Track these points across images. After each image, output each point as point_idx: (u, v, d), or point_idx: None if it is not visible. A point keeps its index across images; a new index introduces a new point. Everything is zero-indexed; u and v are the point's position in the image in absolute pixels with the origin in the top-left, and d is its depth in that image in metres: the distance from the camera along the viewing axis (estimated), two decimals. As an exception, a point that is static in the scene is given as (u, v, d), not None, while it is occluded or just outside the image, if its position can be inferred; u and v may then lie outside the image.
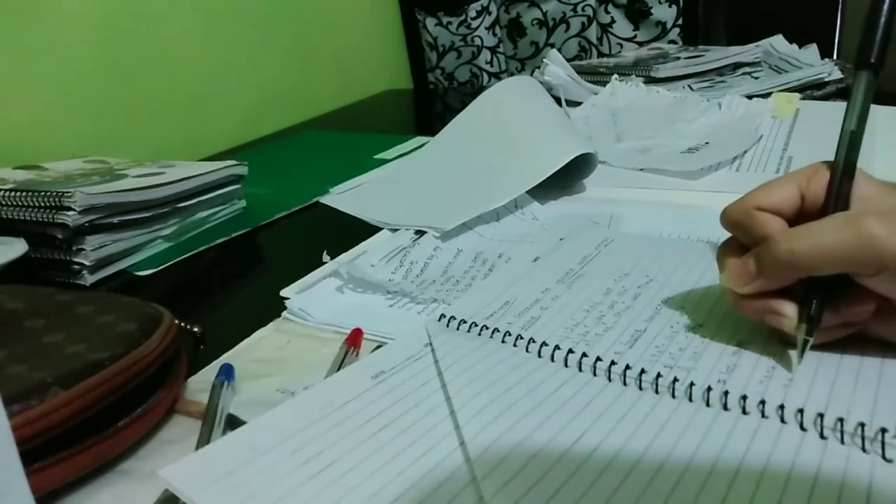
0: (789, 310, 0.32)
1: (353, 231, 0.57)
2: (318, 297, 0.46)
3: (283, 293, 0.47)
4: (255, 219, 0.64)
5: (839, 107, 0.34)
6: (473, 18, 1.24)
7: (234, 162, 0.65)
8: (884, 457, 0.26)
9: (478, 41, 1.25)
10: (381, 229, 0.57)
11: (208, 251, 0.59)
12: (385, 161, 0.76)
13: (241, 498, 0.27)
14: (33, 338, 0.35)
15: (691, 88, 0.88)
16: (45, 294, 0.40)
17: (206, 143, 0.92)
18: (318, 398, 0.33)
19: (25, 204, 0.52)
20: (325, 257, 0.50)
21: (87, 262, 0.53)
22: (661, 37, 1.13)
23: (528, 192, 0.57)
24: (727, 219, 0.35)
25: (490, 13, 1.24)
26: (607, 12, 1.16)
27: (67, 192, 0.51)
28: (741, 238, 0.35)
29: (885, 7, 0.33)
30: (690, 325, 0.37)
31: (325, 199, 0.67)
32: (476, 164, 0.64)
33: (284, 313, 0.45)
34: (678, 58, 0.96)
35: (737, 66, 0.94)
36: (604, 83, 0.90)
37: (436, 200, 0.60)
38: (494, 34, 1.26)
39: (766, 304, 0.33)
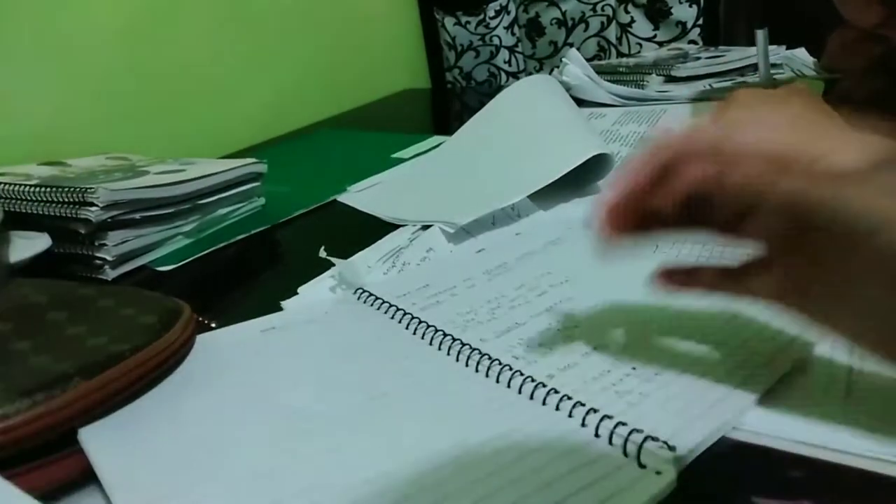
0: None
1: (370, 229, 0.57)
2: (316, 296, 0.47)
3: (300, 290, 0.47)
4: (274, 216, 0.65)
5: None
6: (492, 18, 1.23)
7: (253, 160, 0.66)
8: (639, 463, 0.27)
9: (496, 40, 1.25)
10: (397, 227, 0.57)
11: (228, 248, 0.60)
12: (402, 160, 0.76)
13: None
14: (56, 330, 0.36)
15: (711, 87, 0.88)
16: (68, 288, 0.41)
17: (226, 140, 0.92)
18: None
19: (49, 199, 0.53)
20: (322, 253, 0.50)
21: (108, 257, 0.54)
22: (682, 37, 1.12)
23: (537, 193, 0.57)
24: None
25: (509, 13, 1.24)
26: (627, 12, 1.15)
27: (90, 188, 0.52)
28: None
29: None
30: (567, 324, 0.37)
31: (343, 198, 0.67)
32: (492, 162, 0.63)
33: (300, 309, 0.46)
34: (698, 58, 0.95)
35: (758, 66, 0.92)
36: (623, 83, 0.89)
37: (451, 198, 0.60)
38: (513, 34, 1.26)
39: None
